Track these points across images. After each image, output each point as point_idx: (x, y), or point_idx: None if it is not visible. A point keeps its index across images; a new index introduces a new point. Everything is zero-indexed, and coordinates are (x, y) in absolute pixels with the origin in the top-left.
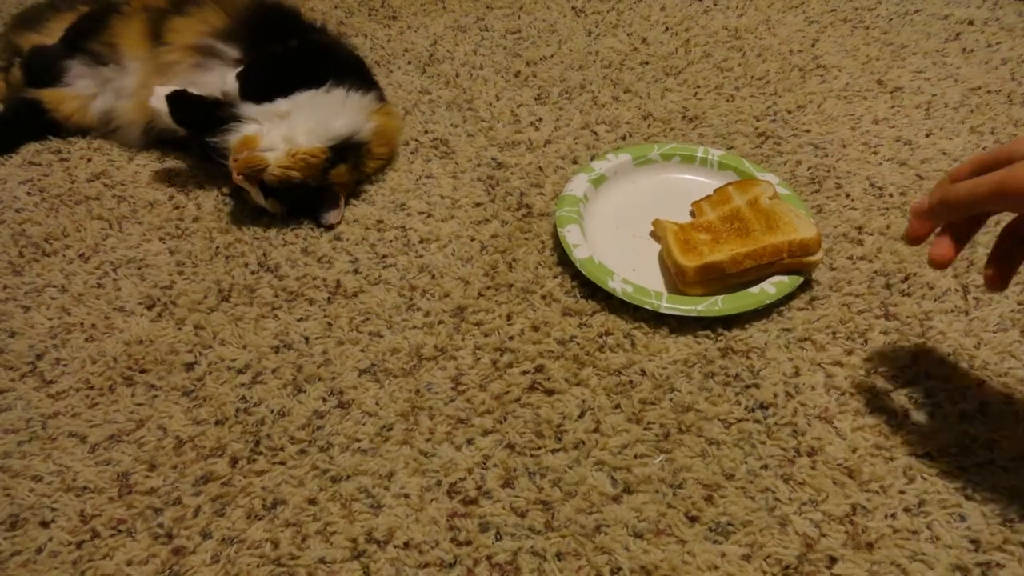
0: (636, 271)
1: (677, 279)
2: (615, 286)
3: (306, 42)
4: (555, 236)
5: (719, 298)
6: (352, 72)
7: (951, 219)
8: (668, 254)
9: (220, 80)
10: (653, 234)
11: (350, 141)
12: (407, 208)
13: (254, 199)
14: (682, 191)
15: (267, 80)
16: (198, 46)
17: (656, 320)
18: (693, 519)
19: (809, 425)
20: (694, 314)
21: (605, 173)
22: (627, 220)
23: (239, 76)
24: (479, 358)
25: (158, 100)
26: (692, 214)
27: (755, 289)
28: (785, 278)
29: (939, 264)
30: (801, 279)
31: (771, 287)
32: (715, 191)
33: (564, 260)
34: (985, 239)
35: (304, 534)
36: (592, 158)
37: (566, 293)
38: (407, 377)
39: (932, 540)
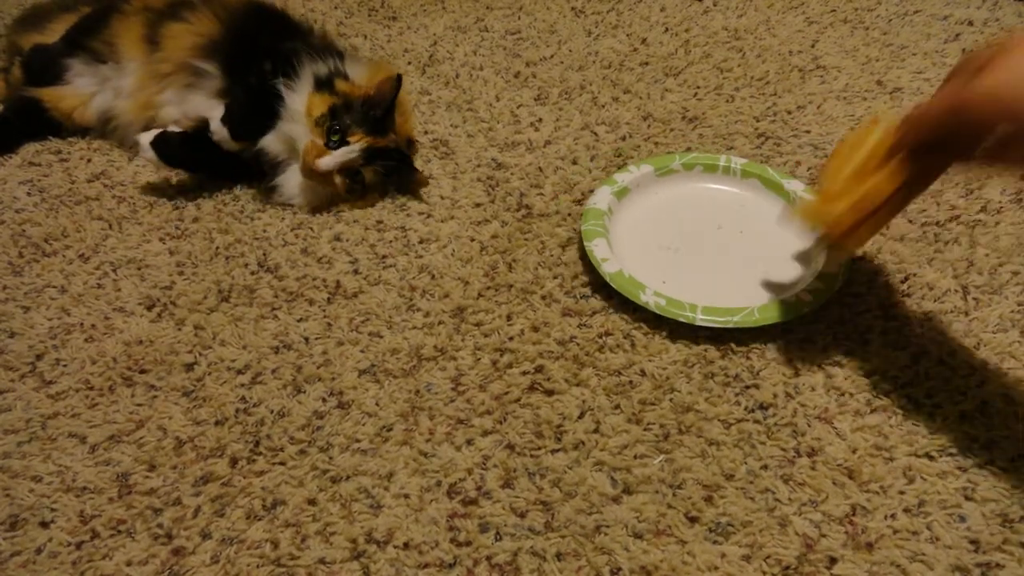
0: (666, 283)
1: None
2: (647, 299)
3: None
4: (581, 250)
5: (755, 308)
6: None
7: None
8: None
9: (206, 106)
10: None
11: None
12: (407, 208)
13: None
14: (706, 201)
15: (249, 124)
16: (189, 65)
17: (656, 320)
18: (693, 519)
19: (809, 425)
20: (731, 325)
21: (628, 185)
22: (653, 232)
23: (223, 122)
24: (479, 358)
25: (145, 150)
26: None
27: (791, 297)
28: (821, 284)
29: None
30: (836, 285)
31: (807, 295)
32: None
33: (563, 260)
34: (985, 239)
35: (304, 534)
36: (616, 169)
37: (566, 293)
38: (407, 377)
39: (932, 540)
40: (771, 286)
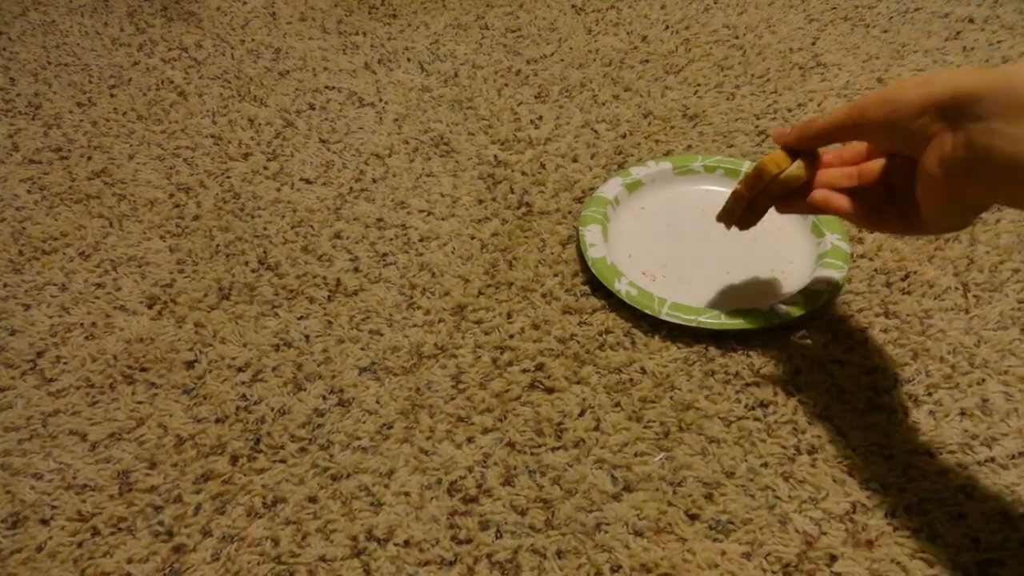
0: (655, 280)
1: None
2: (620, 288)
3: None
4: (576, 234)
5: (721, 312)
6: None
7: (811, 147)
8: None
9: None
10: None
11: None
12: (407, 206)
13: None
14: (718, 204)
15: None
16: None
17: (656, 318)
18: (693, 517)
19: (809, 423)
20: (694, 324)
21: (642, 179)
22: (653, 227)
23: None
24: (479, 356)
25: None
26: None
27: (765, 307)
28: (799, 298)
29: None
30: (816, 304)
31: (782, 307)
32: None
33: (563, 258)
34: (986, 237)
35: (304, 532)
36: (626, 163)
37: (566, 291)
38: (407, 375)
39: (932, 538)
40: (756, 294)
